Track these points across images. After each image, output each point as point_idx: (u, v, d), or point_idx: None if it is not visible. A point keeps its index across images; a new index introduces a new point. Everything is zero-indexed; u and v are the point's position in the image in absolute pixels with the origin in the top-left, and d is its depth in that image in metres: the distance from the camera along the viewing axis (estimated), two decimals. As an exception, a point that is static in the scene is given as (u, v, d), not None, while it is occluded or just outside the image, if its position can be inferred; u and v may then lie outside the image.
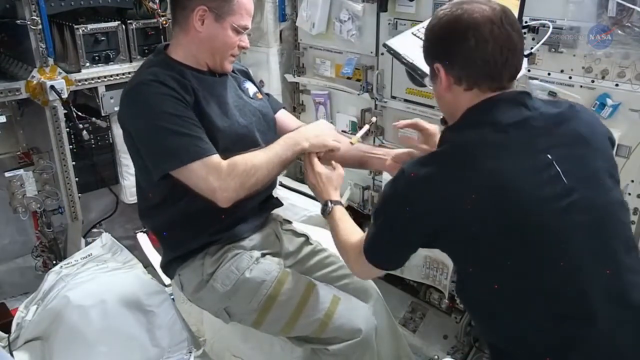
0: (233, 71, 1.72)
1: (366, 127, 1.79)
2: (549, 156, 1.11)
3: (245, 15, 1.57)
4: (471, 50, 1.13)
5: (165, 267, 1.73)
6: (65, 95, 2.21)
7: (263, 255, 1.67)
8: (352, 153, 1.72)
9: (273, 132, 1.74)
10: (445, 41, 1.18)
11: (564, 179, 1.10)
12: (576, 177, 1.12)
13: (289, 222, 1.91)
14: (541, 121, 1.16)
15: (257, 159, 1.48)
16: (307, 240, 1.85)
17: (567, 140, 1.15)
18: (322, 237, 2.34)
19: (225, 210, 1.48)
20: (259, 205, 1.74)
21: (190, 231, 1.62)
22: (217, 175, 1.43)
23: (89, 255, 2.23)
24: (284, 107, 1.88)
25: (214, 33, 1.54)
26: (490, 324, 1.22)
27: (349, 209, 2.75)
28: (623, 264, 1.12)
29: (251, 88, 1.76)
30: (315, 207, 2.65)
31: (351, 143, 1.67)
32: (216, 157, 1.45)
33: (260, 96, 1.77)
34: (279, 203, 1.85)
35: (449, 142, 1.19)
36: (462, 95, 1.19)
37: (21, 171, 2.34)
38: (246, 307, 1.60)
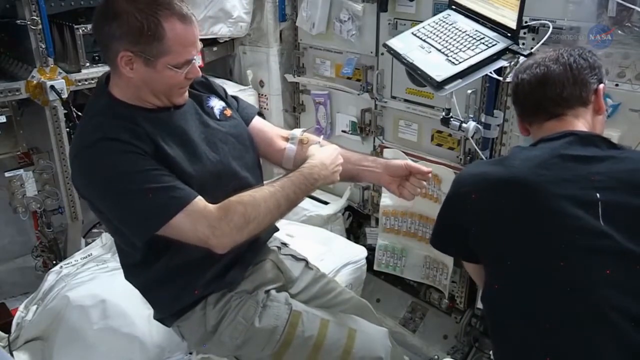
0: (192, 87, 1.46)
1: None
2: (598, 195, 1.10)
3: (184, 49, 1.28)
4: None
5: (159, 320, 1.55)
6: (65, 95, 2.21)
7: (267, 292, 1.53)
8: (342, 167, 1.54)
9: (251, 151, 1.54)
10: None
11: (601, 221, 1.09)
12: (615, 226, 1.09)
13: (286, 244, 1.74)
14: (610, 163, 1.15)
15: (257, 201, 1.29)
16: (307, 264, 1.72)
17: (627, 189, 1.12)
18: (322, 237, 2.36)
19: (213, 258, 1.34)
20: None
21: (178, 287, 1.43)
22: (206, 223, 1.24)
23: (89, 255, 2.23)
24: (258, 113, 1.66)
25: (149, 77, 1.29)
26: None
27: (349, 209, 2.76)
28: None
29: (217, 105, 1.51)
30: (315, 207, 2.65)
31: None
32: (199, 202, 1.26)
33: (228, 112, 1.52)
34: (274, 228, 1.65)
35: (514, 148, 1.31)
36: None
37: (21, 171, 2.34)
38: (259, 355, 1.48)
